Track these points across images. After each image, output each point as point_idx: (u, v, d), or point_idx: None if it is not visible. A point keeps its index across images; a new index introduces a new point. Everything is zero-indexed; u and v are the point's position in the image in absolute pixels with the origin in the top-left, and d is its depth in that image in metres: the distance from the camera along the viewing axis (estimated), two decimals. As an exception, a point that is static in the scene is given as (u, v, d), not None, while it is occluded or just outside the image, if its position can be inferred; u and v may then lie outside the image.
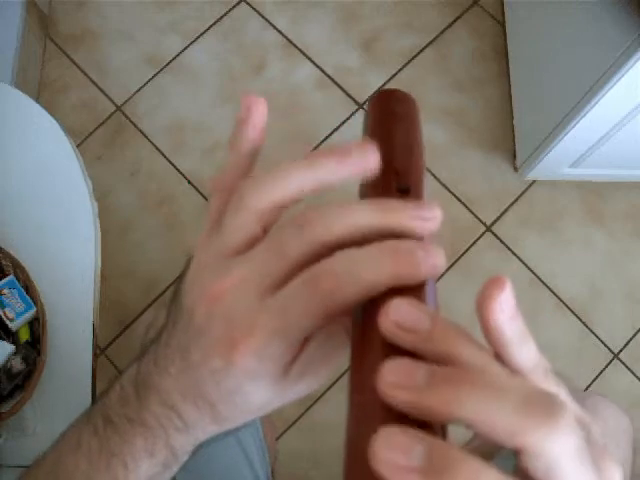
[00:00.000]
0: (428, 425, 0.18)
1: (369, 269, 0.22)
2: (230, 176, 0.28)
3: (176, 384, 0.27)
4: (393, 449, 0.17)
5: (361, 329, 0.22)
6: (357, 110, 1.37)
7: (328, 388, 1.16)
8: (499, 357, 0.22)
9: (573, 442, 0.18)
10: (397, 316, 0.20)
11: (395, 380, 0.18)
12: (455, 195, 1.31)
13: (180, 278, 0.28)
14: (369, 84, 1.38)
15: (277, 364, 0.24)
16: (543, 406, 0.18)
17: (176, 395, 0.27)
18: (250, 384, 0.25)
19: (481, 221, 1.29)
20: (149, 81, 1.38)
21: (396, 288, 0.22)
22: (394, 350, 0.20)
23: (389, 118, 0.29)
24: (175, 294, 0.28)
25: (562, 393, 0.22)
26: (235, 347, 0.24)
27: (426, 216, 0.23)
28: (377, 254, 0.22)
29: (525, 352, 0.22)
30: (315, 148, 1.34)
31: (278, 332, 0.23)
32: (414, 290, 0.22)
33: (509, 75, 1.35)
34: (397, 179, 0.26)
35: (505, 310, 0.21)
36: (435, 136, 1.34)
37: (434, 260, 0.22)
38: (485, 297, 0.21)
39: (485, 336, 0.21)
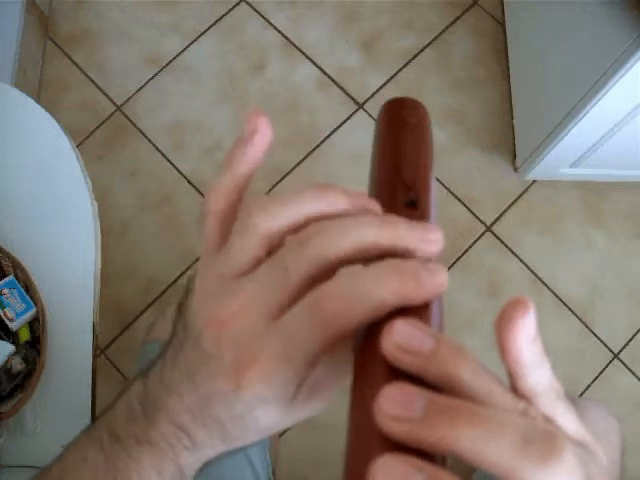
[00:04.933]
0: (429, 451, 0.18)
1: (372, 291, 0.21)
2: (225, 197, 0.27)
3: (185, 405, 0.26)
4: (392, 479, 0.16)
5: (363, 348, 0.22)
6: (357, 110, 1.36)
7: (328, 388, 1.16)
8: (511, 375, 0.21)
9: None
10: (400, 338, 0.19)
11: (391, 411, 0.18)
12: (455, 195, 1.31)
13: (185, 294, 0.28)
14: (369, 84, 1.38)
15: (285, 389, 0.24)
16: (542, 445, 0.17)
17: (185, 415, 0.27)
18: (259, 408, 0.25)
19: (481, 221, 1.29)
20: (149, 81, 1.38)
21: (400, 308, 0.21)
22: (396, 371, 0.20)
23: (399, 128, 0.28)
24: (180, 311, 0.28)
25: (570, 419, 0.22)
26: (242, 373, 0.23)
27: (431, 239, 0.23)
28: (380, 275, 0.22)
29: (538, 375, 0.21)
30: (316, 148, 1.34)
31: (283, 358, 0.23)
32: (418, 309, 0.21)
33: (509, 75, 1.35)
34: (405, 192, 0.26)
35: (526, 335, 0.20)
36: (435, 136, 1.33)
37: (438, 279, 0.22)
38: (508, 319, 0.20)
39: (500, 354, 0.21)
